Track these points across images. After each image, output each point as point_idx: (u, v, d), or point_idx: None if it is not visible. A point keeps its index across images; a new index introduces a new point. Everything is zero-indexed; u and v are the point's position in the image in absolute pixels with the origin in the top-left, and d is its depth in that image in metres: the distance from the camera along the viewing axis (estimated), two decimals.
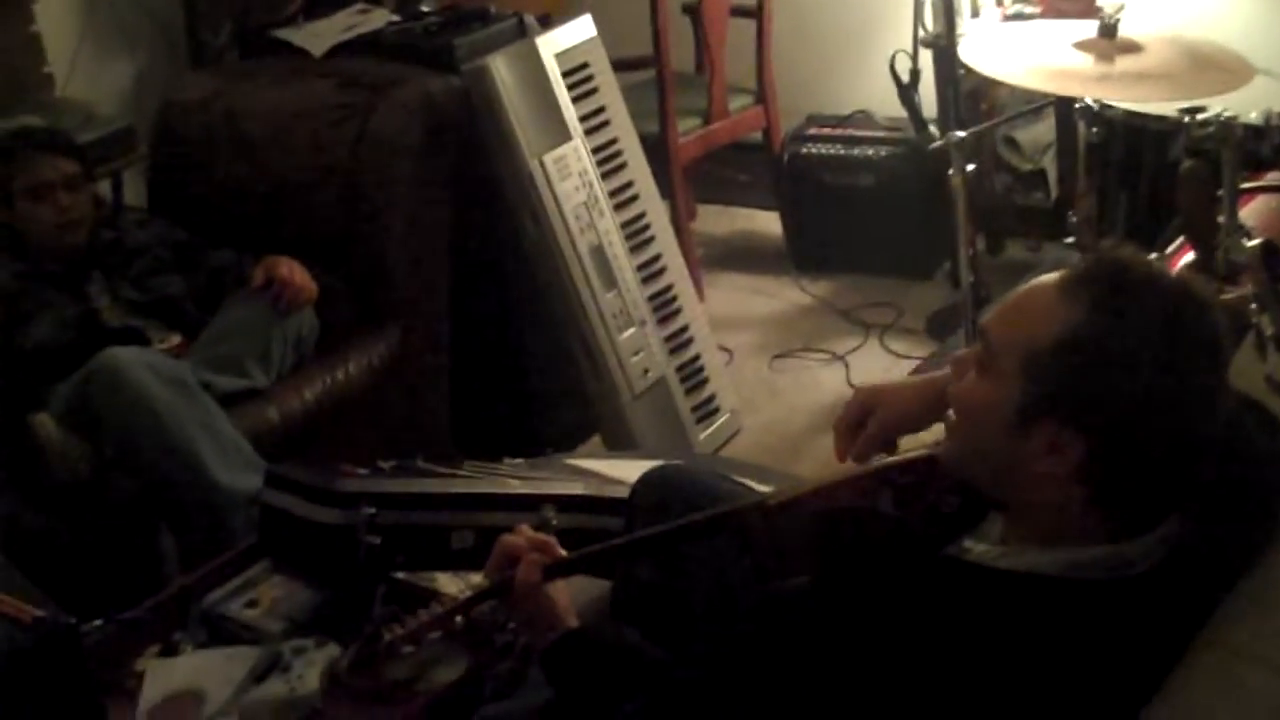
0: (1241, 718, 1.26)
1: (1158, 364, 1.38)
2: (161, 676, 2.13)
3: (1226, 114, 2.79)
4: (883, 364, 4.15)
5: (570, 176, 3.38)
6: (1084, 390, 1.39)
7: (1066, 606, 1.38)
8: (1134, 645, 1.37)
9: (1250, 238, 2.60)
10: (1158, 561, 1.42)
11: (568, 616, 1.75)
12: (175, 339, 3.06)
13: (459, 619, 1.75)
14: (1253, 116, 3.07)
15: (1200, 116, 2.85)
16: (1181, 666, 1.36)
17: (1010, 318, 1.48)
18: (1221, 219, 2.74)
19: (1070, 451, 1.40)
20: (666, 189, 4.11)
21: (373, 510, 2.18)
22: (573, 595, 1.80)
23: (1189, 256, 2.85)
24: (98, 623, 2.19)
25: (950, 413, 1.55)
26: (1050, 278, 1.47)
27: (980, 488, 1.55)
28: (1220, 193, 2.75)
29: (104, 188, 3.46)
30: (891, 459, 1.71)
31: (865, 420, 1.78)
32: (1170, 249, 2.94)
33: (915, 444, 1.74)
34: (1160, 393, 1.38)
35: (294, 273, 3.07)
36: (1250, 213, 2.94)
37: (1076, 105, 3.34)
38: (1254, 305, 1.49)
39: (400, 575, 2.27)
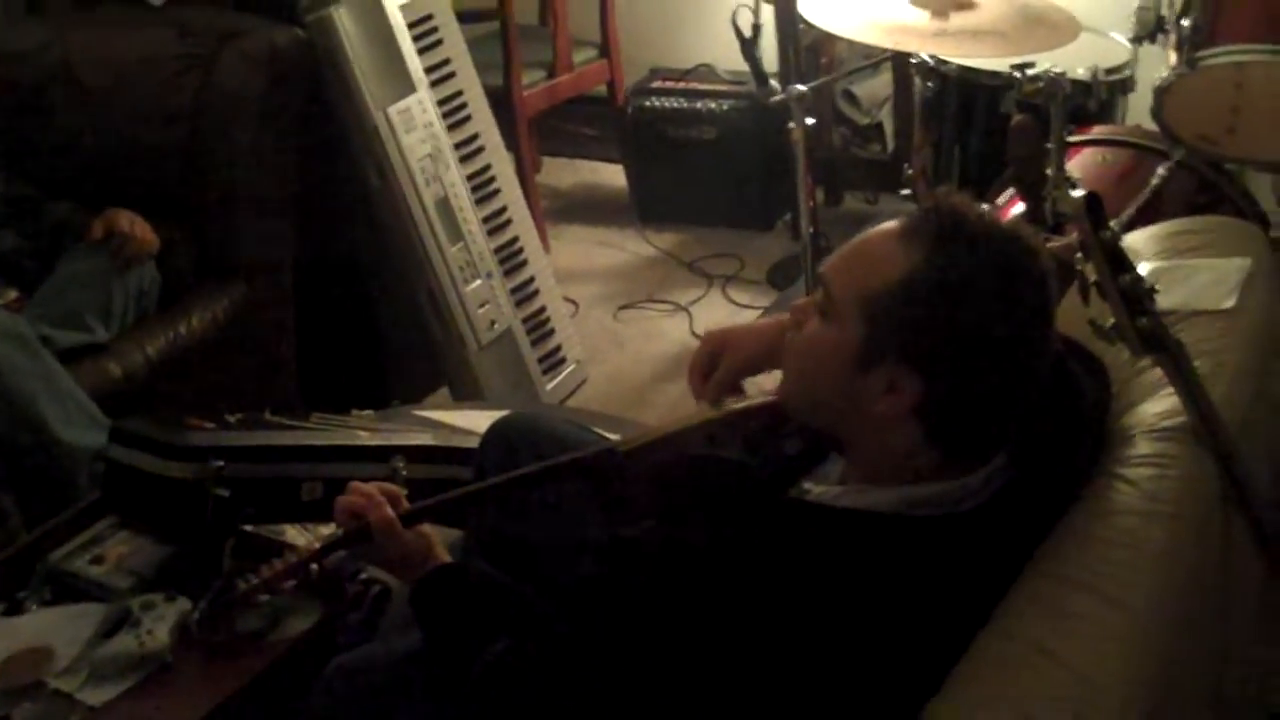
0: (1069, 640, 1.32)
1: (991, 305, 1.44)
2: (6, 635, 2.09)
3: (1055, 70, 2.89)
4: (725, 314, 4.22)
5: (415, 129, 3.36)
6: (921, 331, 1.45)
7: (902, 542, 1.44)
8: (968, 577, 1.43)
9: (1076, 189, 2.71)
10: (988, 498, 1.49)
11: (441, 553, 1.76)
12: (12, 294, 2.97)
13: (314, 567, 1.76)
14: (1080, 72, 3.18)
15: (1030, 72, 2.95)
16: (1013, 595, 1.42)
17: (850, 265, 1.53)
18: (1049, 171, 2.85)
19: (908, 391, 1.46)
20: (512, 142, 4.11)
21: (220, 463, 2.16)
22: None
23: (1019, 207, 2.96)
24: None
25: (788, 357, 1.60)
26: (888, 225, 1.53)
27: (819, 429, 1.61)
28: (1049, 145, 2.85)
29: None
30: (737, 405, 1.76)
31: (715, 364, 1.83)
32: (1001, 200, 3.05)
33: (761, 390, 1.79)
34: (993, 332, 1.45)
35: (134, 225, 3.01)
36: (1077, 165, 3.05)
37: (913, 60, 3.43)
38: (1079, 254, 1.55)
39: (249, 528, 2.26)
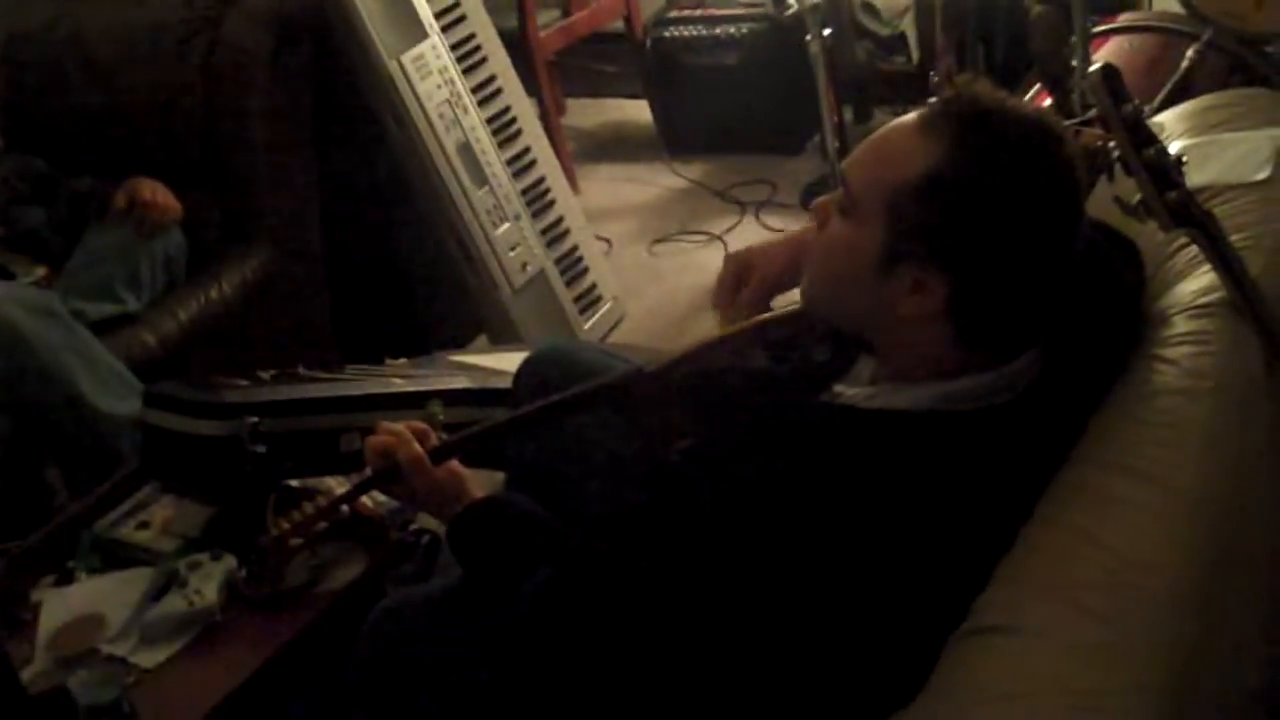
0: (1115, 526, 1.29)
1: (1017, 195, 1.40)
2: (58, 605, 2.11)
3: None
4: (760, 240, 4.16)
5: (430, 75, 3.33)
6: (947, 226, 1.41)
7: (936, 439, 1.41)
8: (1007, 469, 1.40)
9: None
10: (1024, 389, 1.45)
11: (474, 489, 1.74)
12: (41, 271, 2.98)
13: (344, 508, 1.75)
14: None
15: None
16: (1056, 483, 1.39)
17: (871, 160, 1.49)
18: (1075, 63, 2.79)
19: (934, 290, 1.42)
20: (531, 85, 4.07)
21: (255, 419, 2.16)
22: None
23: (1047, 102, 2.90)
24: None
25: (810, 260, 1.56)
26: (908, 119, 1.48)
27: (846, 331, 1.57)
28: (1072, 37, 2.79)
29: None
30: (763, 315, 1.73)
31: (743, 282, 1.79)
32: (1028, 96, 2.99)
33: (786, 302, 1.76)
34: (1020, 223, 1.41)
35: (156, 194, 3.01)
36: (1104, 55, 2.99)
37: None
38: (1106, 140, 1.51)
39: (291, 483, 2.26)
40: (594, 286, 3.73)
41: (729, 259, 1.85)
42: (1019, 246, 1.41)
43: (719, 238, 4.23)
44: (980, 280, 1.42)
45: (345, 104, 3.33)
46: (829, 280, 1.54)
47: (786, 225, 4.22)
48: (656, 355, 1.81)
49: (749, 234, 4.23)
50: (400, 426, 1.74)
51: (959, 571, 1.34)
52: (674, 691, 1.46)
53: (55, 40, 3.33)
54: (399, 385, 2.35)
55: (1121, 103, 1.44)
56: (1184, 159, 1.48)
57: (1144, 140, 1.44)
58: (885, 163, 1.46)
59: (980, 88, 1.47)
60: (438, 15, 3.40)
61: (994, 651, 1.22)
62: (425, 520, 2.18)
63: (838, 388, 1.59)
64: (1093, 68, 1.44)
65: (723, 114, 4.64)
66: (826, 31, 3.24)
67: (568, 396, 1.78)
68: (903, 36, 4.59)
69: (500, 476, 2.13)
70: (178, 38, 3.20)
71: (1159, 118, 1.99)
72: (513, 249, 3.46)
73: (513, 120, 3.57)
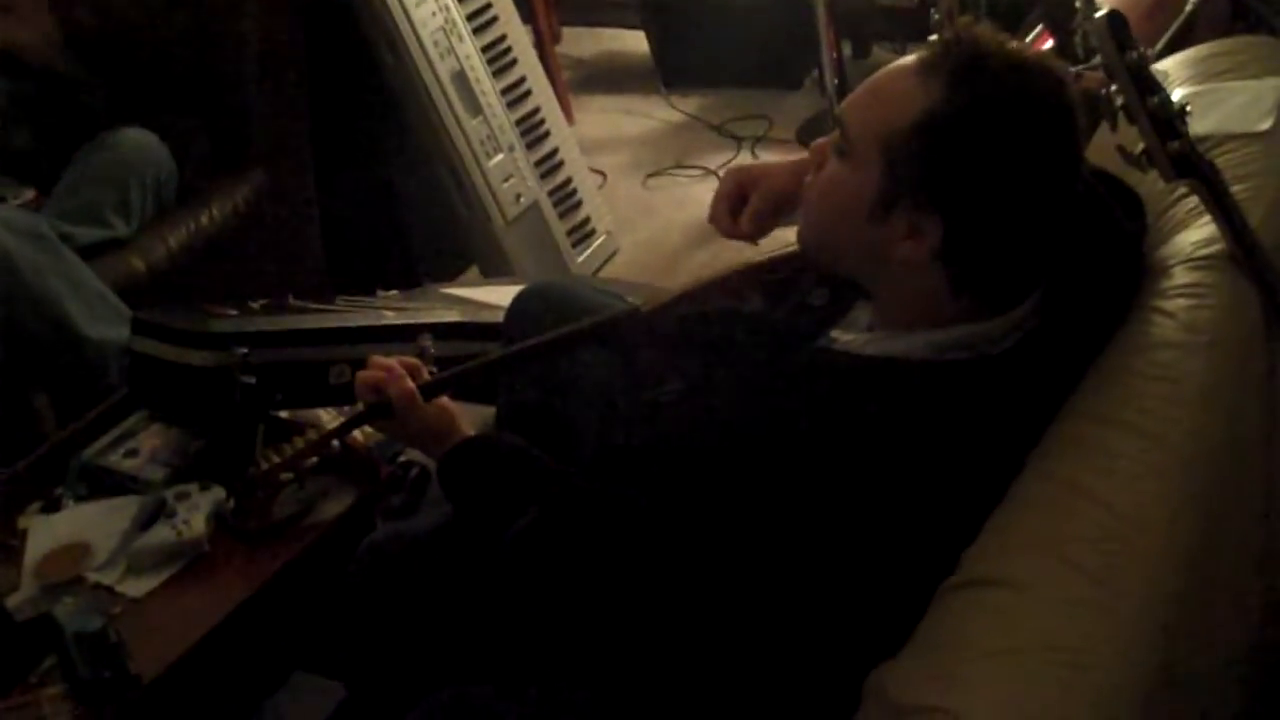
0: (1108, 479, 1.28)
1: (1014, 139, 1.38)
2: (45, 532, 2.11)
3: None
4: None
5: (426, 1, 3.29)
6: (942, 170, 1.39)
7: (931, 387, 1.40)
8: (1001, 419, 1.39)
9: None
10: (1022, 338, 1.44)
11: (465, 426, 1.72)
12: (29, 193, 2.94)
13: (334, 443, 1.73)
14: None
15: None
16: (1049, 436, 1.39)
17: (868, 103, 1.47)
18: (1078, 3, 2.75)
19: (929, 234, 1.41)
20: (527, 12, 4.03)
21: (245, 350, 2.15)
22: None
23: (1049, 44, 2.86)
24: None
25: (807, 201, 1.55)
26: (906, 61, 1.47)
27: (841, 275, 1.56)
28: None
29: None
30: (759, 258, 1.71)
31: (745, 198, 1.76)
32: (1030, 37, 2.95)
33: (780, 244, 1.74)
34: (1017, 168, 1.39)
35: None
36: None
37: None
38: (1109, 85, 1.48)
39: (280, 414, 2.25)
40: (587, 220, 3.71)
41: (729, 173, 1.81)
42: (1014, 192, 1.40)
43: (714, 172, 4.20)
44: (974, 226, 1.41)
45: (339, 31, 3.29)
46: (825, 223, 1.52)
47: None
48: (651, 293, 1.79)
49: None
50: (392, 361, 1.72)
51: (950, 522, 1.33)
52: (651, 639, 1.46)
53: None
54: (390, 318, 2.34)
55: (1126, 51, 1.42)
56: (1187, 108, 1.46)
57: (1148, 89, 1.42)
58: (882, 105, 1.44)
59: (981, 30, 1.44)
60: None
61: (982, 605, 1.22)
62: (413, 453, 2.17)
63: (834, 333, 1.58)
64: (1099, 13, 1.41)
65: (721, 47, 4.60)
66: None
67: (561, 334, 1.76)
68: None
69: (490, 411, 2.13)
70: None
71: (1162, 64, 1.96)
72: (506, 180, 3.44)
73: (508, 49, 3.54)
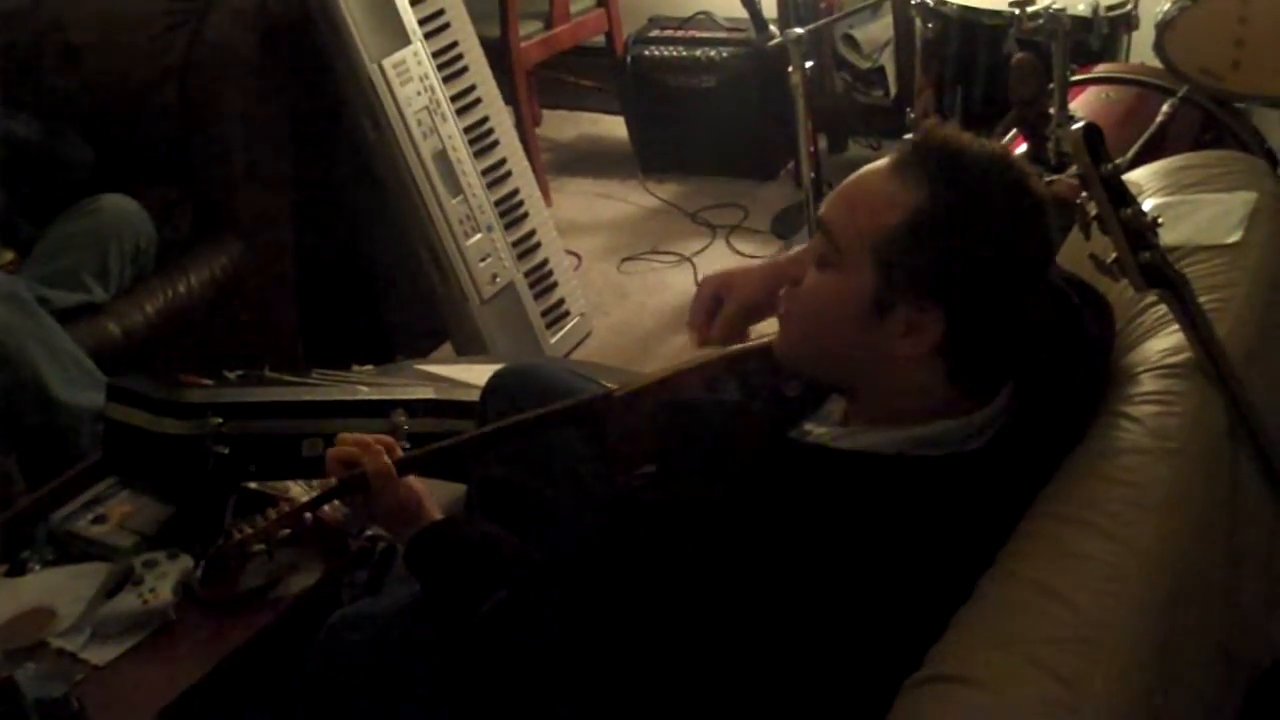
0: (1074, 580, 1.30)
1: (1002, 228, 1.42)
2: (9, 595, 2.09)
3: (1055, 7, 2.85)
4: (729, 264, 4.14)
5: (411, 81, 3.33)
6: (938, 265, 1.42)
7: (902, 483, 1.42)
8: (970, 517, 1.41)
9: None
10: (991, 437, 1.47)
11: (432, 508, 1.73)
12: (8, 256, 2.95)
13: (308, 516, 1.74)
14: (1081, 8, 3.13)
15: (1030, 9, 2.91)
16: (1017, 535, 1.41)
17: (851, 209, 1.49)
18: (1052, 110, 2.81)
19: (929, 328, 1.43)
20: (510, 94, 4.07)
21: (219, 420, 2.15)
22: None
23: (1022, 148, 2.92)
24: None
25: (789, 314, 1.57)
26: (879, 165, 1.50)
27: (824, 381, 1.58)
28: (1050, 85, 2.82)
29: None
30: (736, 346, 1.74)
31: (718, 306, 1.80)
32: (1004, 141, 3.01)
33: (757, 333, 1.77)
34: (1007, 255, 1.43)
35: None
36: (1080, 104, 3.02)
37: (913, 2, 3.38)
38: (1082, 193, 1.52)
39: (252, 485, 2.25)
40: (562, 301, 3.74)
41: (706, 280, 1.85)
42: (1006, 279, 1.44)
43: (689, 259, 4.24)
44: (974, 315, 1.44)
45: (323, 106, 3.33)
46: (814, 334, 1.54)
47: (757, 251, 4.23)
48: (626, 377, 1.81)
49: (719, 257, 4.23)
50: (368, 437, 1.73)
51: (916, 617, 1.34)
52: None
53: (36, 23, 3.32)
54: (365, 392, 2.34)
55: (1101, 162, 1.46)
56: (1159, 219, 1.50)
57: (1122, 201, 1.46)
58: (867, 210, 1.46)
59: (949, 130, 1.48)
60: (421, 22, 3.42)
61: (948, 702, 1.22)
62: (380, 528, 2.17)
63: (807, 425, 1.60)
64: (1075, 125, 1.45)
65: (698, 136, 4.65)
66: (808, 64, 3.25)
67: (536, 415, 1.78)
68: (881, 70, 4.62)
69: (460, 489, 2.14)
70: (159, 29, 3.19)
71: (1134, 174, 2.01)
72: (483, 260, 3.47)
73: (490, 131, 3.58)
